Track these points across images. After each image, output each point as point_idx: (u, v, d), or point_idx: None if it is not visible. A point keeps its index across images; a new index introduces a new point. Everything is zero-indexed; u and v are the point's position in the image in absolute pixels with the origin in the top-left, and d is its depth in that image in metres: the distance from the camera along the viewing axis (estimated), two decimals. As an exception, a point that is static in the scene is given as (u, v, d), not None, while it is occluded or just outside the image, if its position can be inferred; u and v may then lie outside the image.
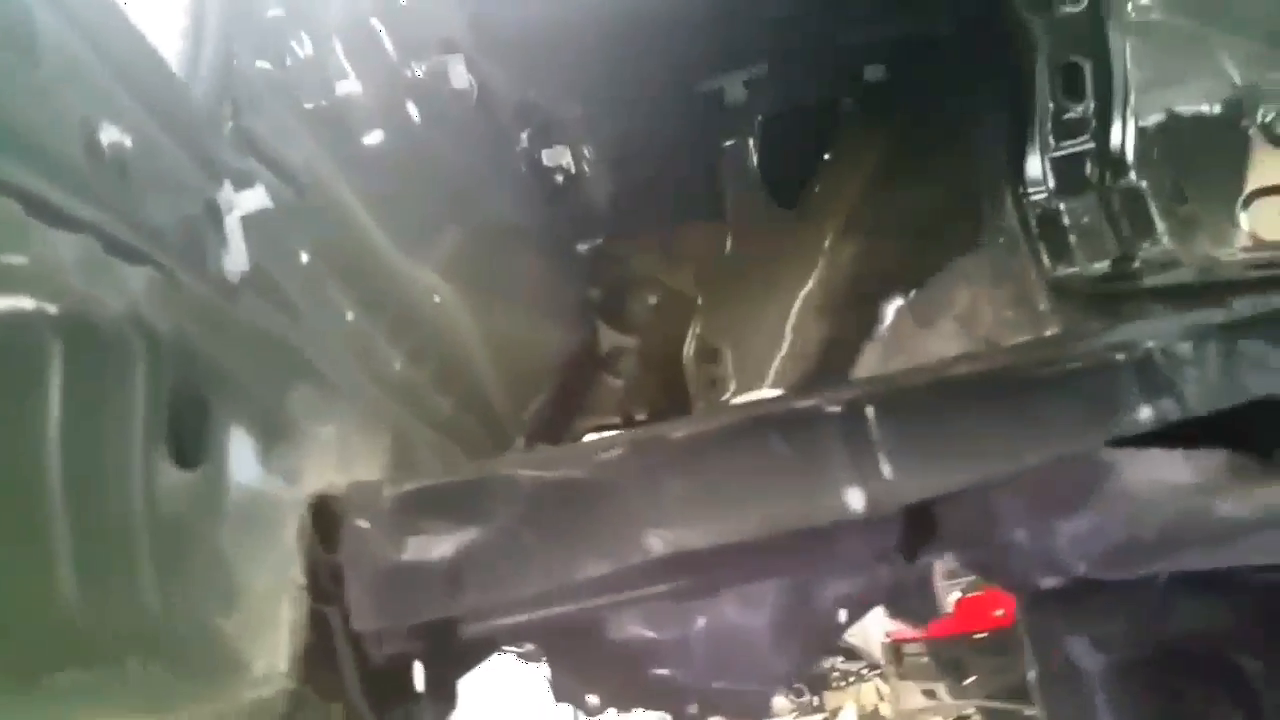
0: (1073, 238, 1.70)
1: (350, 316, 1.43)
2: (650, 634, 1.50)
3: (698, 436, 1.10)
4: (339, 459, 1.26)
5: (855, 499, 1.10)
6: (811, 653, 1.46)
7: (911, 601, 1.31)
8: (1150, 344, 1.19)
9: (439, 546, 1.05)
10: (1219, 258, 1.67)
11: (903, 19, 1.91)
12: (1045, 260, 1.66)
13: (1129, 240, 1.68)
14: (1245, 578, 1.11)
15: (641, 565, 1.09)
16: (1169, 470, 1.14)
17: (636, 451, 1.09)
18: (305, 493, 1.10)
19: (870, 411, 1.13)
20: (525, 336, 1.83)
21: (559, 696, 1.56)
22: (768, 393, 1.51)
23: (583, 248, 2.01)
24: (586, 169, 1.91)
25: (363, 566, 1.03)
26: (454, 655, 1.27)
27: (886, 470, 1.11)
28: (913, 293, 1.79)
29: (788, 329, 1.92)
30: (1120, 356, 1.19)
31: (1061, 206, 1.73)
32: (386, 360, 1.53)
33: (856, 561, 1.22)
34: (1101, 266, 1.62)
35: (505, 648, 1.66)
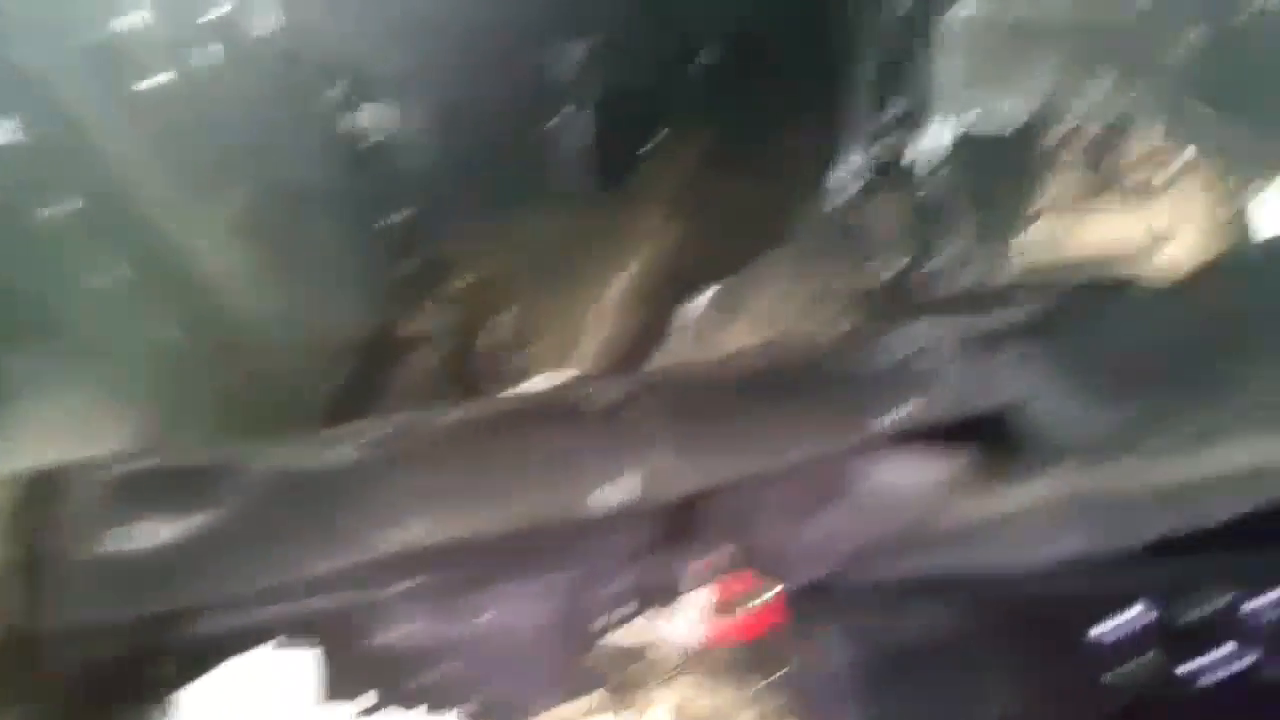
0: (874, 239, 1.73)
1: (117, 273, 1.35)
2: (433, 630, 1.46)
3: (449, 426, 1.08)
4: (84, 431, 1.18)
5: (616, 493, 1.09)
6: (584, 653, 1.45)
7: (672, 598, 1.31)
8: (909, 347, 1.22)
9: (155, 534, 0.99)
10: (1004, 268, 1.73)
11: (743, 5, 1.90)
12: (847, 260, 1.68)
13: (926, 245, 1.72)
14: (986, 577, 1.14)
15: (389, 560, 1.06)
16: (917, 471, 1.17)
17: (383, 441, 1.06)
18: (19, 468, 1.02)
19: (637, 405, 1.12)
20: (321, 311, 1.76)
21: (331, 695, 1.50)
22: (558, 376, 1.49)
23: (392, 220, 1.94)
24: (400, 135, 1.84)
25: (64, 554, 0.96)
26: (186, 653, 1.20)
27: (651, 464, 1.11)
28: (721, 284, 1.79)
29: (603, 315, 1.90)
30: (881, 357, 1.22)
31: (864, 208, 1.76)
32: (160, 325, 1.45)
33: (618, 558, 1.22)
34: (898, 269, 1.66)
35: (268, 643, 1.59)
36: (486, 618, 1.32)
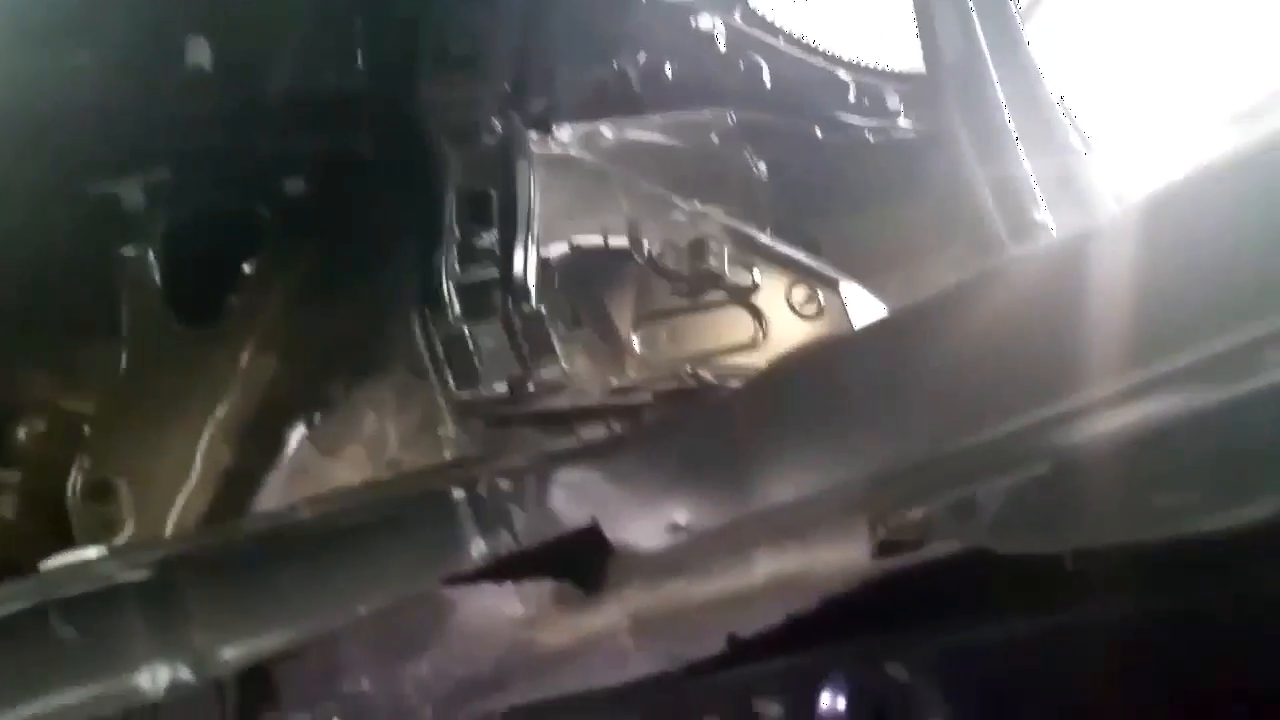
0: (477, 361, 1.75)
1: None
2: None
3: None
4: None
5: (157, 679, 0.99)
6: None
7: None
8: (484, 479, 1.23)
9: None
10: (610, 379, 1.81)
11: (320, 133, 1.88)
12: (450, 383, 1.68)
13: (528, 363, 1.76)
14: (571, 704, 1.16)
15: None
16: (501, 603, 1.18)
17: None
18: None
19: (179, 576, 1.04)
20: None
21: None
22: (86, 553, 1.36)
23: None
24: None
25: None
26: None
27: (199, 641, 1.02)
28: (318, 418, 1.73)
29: (196, 458, 1.76)
30: (457, 494, 1.22)
31: (467, 331, 1.78)
32: None
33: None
34: (501, 389, 1.68)
35: None
36: None
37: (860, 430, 0.97)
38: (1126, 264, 0.76)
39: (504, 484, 1.21)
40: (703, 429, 1.20)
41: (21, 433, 1.86)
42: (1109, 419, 0.74)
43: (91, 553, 1.16)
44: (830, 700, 0.97)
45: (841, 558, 0.89)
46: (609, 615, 1.12)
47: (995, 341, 0.87)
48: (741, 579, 0.99)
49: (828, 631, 0.95)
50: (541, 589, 1.19)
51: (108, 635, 0.97)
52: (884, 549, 0.85)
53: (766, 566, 0.97)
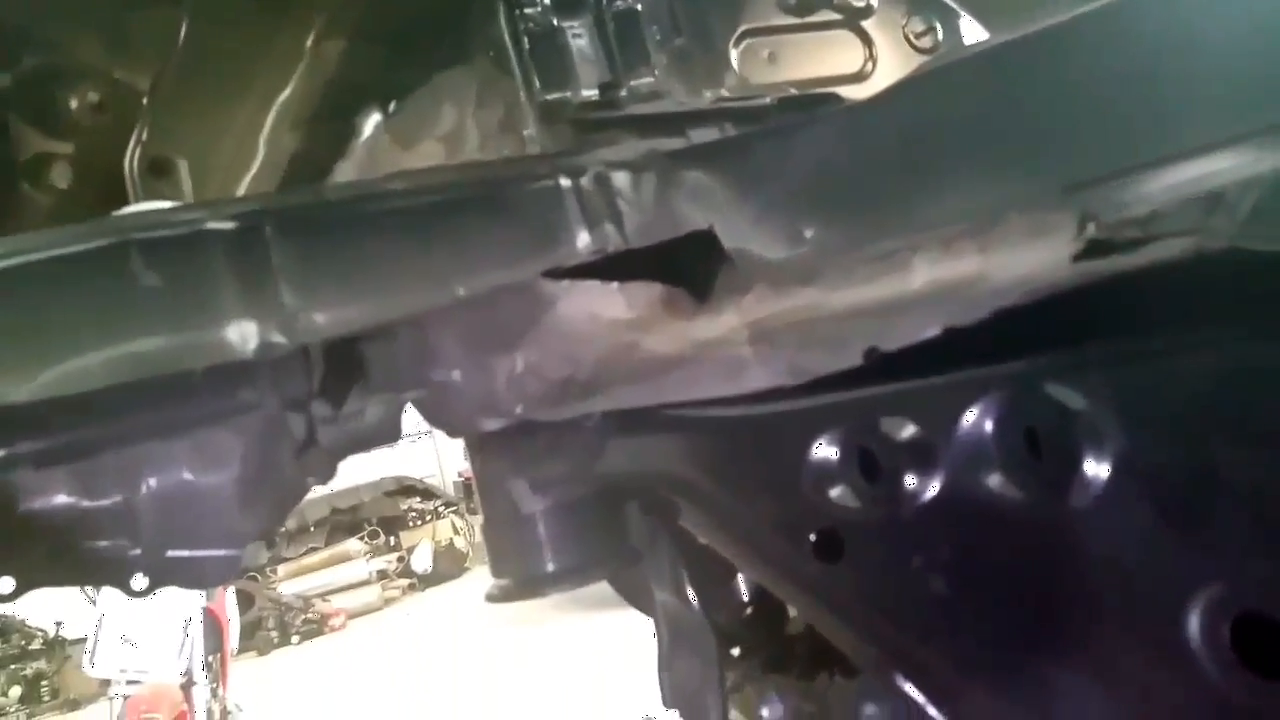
0: (565, 60, 1.59)
1: None
2: (82, 501, 1.24)
3: (23, 259, 0.85)
4: None
5: (244, 334, 0.92)
6: (282, 509, 1.29)
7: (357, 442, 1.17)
8: (592, 170, 1.12)
9: None
10: (705, 93, 1.65)
11: None
12: (535, 82, 1.53)
13: (621, 68, 1.60)
14: (667, 415, 1.09)
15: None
16: (604, 304, 1.09)
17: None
18: None
19: (269, 230, 0.94)
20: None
21: (-39, 578, 1.26)
22: (155, 204, 1.26)
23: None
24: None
25: None
26: None
27: (288, 300, 0.94)
28: (392, 106, 1.60)
29: (260, 141, 1.65)
30: (563, 182, 1.10)
31: (556, 25, 1.60)
32: None
33: (270, 407, 1.05)
34: (590, 93, 1.53)
35: None
36: (151, 474, 1.13)
37: (1061, 131, 0.84)
38: None
39: (618, 178, 1.10)
40: (842, 133, 1.07)
41: (74, 102, 1.75)
42: None
43: (166, 205, 1.07)
44: (975, 422, 0.89)
45: (1030, 260, 0.78)
46: (724, 324, 1.03)
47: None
48: (891, 287, 0.89)
49: (990, 346, 0.85)
50: (650, 292, 1.10)
51: (194, 285, 0.89)
52: (1092, 249, 0.74)
53: (927, 273, 0.86)
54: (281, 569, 11.04)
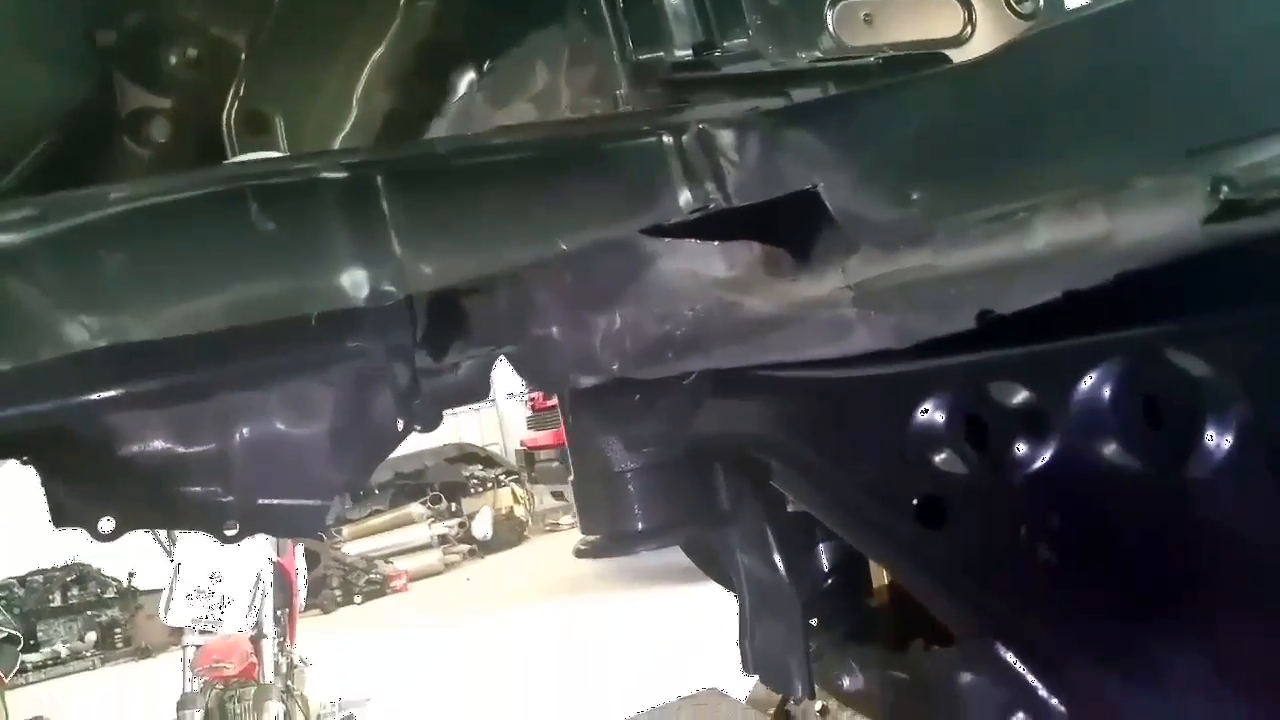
0: (658, 20, 1.57)
1: None
2: (178, 447, 1.28)
3: (146, 203, 0.87)
4: None
5: (356, 281, 0.93)
6: (370, 462, 1.31)
7: (452, 396, 1.19)
8: (695, 126, 1.11)
9: None
10: (799, 55, 1.62)
11: None
12: (629, 41, 1.52)
13: (715, 28, 1.58)
14: (765, 376, 1.08)
15: (74, 361, 0.86)
16: (704, 263, 1.08)
17: (57, 216, 0.84)
18: None
19: (381, 180, 0.95)
20: (10, 80, 1.43)
21: (60, 520, 1.31)
22: (266, 154, 1.28)
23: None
24: None
25: None
26: None
27: (397, 249, 0.95)
28: (486, 65, 1.60)
29: (354, 99, 1.66)
30: (665, 139, 1.10)
31: (652, -16, 1.58)
32: None
33: (373, 356, 1.07)
34: (684, 53, 1.51)
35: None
36: (245, 423, 1.16)
37: (1195, 91, 0.81)
38: None
39: (721, 136, 1.08)
40: (957, 92, 1.04)
41: (173, 58, 1.78)
42: None
43: (276, 155, 1.08)
44: (1091, 389, 0.87)
45: (1159, 223, 0.76)
46: (828, 285, 1.02)
47: None
48: (1009, 249, 0.87)
49: (1112, 310, 0.83)
50: (750, 251, 1.09)
51: (309, 232, 0.90)
52: (1224, 212, 0.71)
53: (1049, 234, 0.84)
54: (346, 530, 11.28)
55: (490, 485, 12.81)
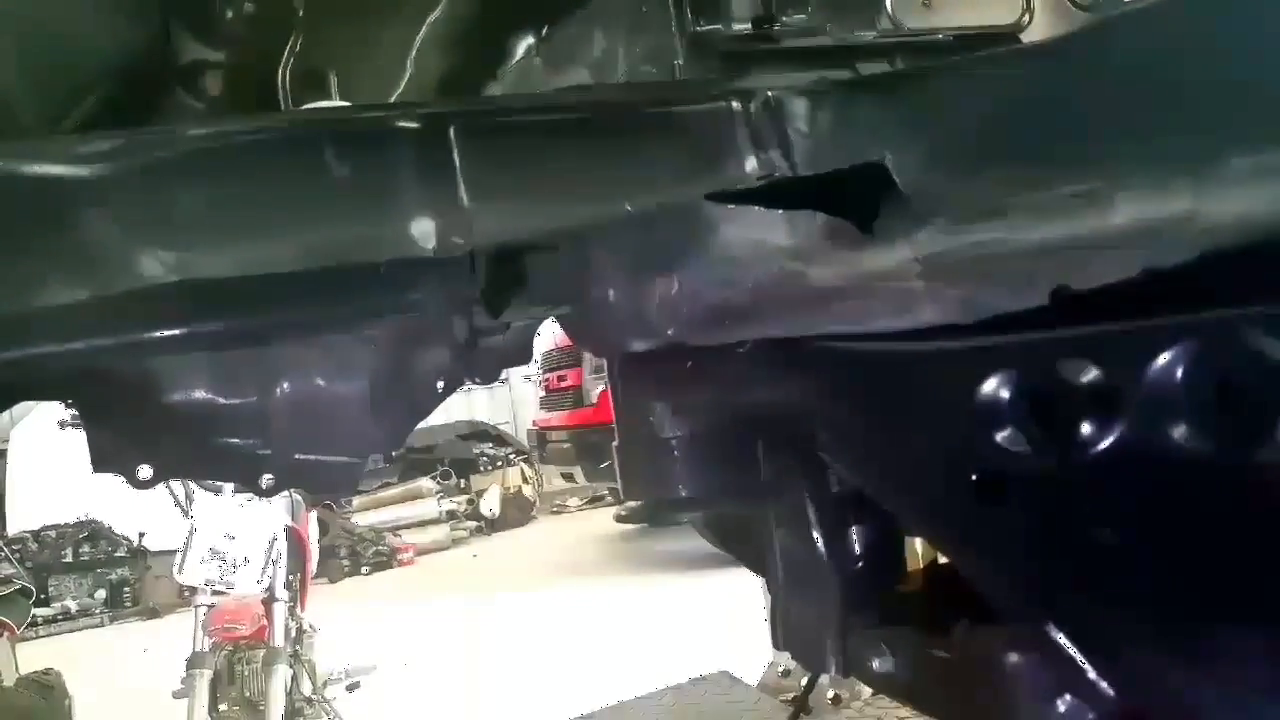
0: (724, -12, 1.56)
1: None
2: (218, 397, 1.28)
3: (224, 141, 0.87)
4: None
5: (425, 231, 0.93)
6: (409, 421, 1.31)
7: (496, 360, 1.19)
8: (764, 94, 1.10)
9: None
10: (867, 25, 1.61)
11: None
12: (688, 12, 1.51)
13: (775, 3, 1.57)
14: (823, 347, 1.08)
15: (143, 296, 0.86)
16: (767, 230, 1.08)
17: (136, 151, 0.84)
18: None
19: (453, 132, 0.95)
20: (60, 25, 1.44)
21: (100, 465, 1.31)
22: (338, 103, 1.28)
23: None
24: None
25: None
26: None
27: (466, 201, 0.95)
28: (545, 30, 1.60)
29: (409, 59, 1.66)
30: (733, 104, 1.09)
31: (714, -48, 1.57)
32: None
33: (430, 310, 1.07)
34: (742, 26, 1.50)
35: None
36: (290, 375, 1.16)
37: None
38: None
39: (789, 104, 1.08)
40: (1035, 68, 1.03)
41: (229, 12, 1.78)
42: None
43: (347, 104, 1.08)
44: (1164, 370, 0.86)
45: (1249, 201, 0.75)
46: (896, 257, 1.01)
47: None
48: (1088, 225, 0.86)
49: (1193, 290, 0.82)
50: (814, 221, 1.08)
51: (382, 179, 0.90)
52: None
53: (1131, 211, 0.83)
54: (356, 500, 11.32)
55: (500, 464, 12.83)
